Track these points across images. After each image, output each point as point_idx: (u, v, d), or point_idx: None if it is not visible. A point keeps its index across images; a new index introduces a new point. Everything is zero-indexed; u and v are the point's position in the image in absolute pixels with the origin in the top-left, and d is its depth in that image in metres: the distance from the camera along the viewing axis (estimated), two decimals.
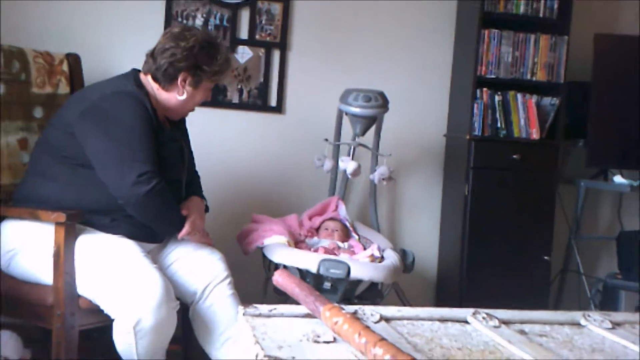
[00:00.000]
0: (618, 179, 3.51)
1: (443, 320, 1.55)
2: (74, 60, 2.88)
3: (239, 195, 3.35)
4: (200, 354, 2.40)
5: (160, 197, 2.21)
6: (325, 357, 1.26)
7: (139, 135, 2.22)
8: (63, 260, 2.16)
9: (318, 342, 1.33)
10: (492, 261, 3.37)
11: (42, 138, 2.42)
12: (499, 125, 3.40)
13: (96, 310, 2.19)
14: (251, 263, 2.96)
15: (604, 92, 3.48)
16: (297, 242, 2.85)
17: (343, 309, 1.39)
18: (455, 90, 3.58)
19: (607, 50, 3.48)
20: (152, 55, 2.36)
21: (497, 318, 1.54)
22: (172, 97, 2.38)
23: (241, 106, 3.37)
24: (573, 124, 3.58)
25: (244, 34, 3.35)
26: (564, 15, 3.42)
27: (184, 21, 3.25)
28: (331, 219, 3.08)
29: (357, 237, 3.03)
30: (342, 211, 3.14)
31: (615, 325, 1.60)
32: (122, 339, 2.12)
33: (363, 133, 3.12)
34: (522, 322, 1.57)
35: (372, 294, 2.70)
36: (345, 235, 3.00)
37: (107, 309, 2.16)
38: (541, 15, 3.42)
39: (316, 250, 2.72)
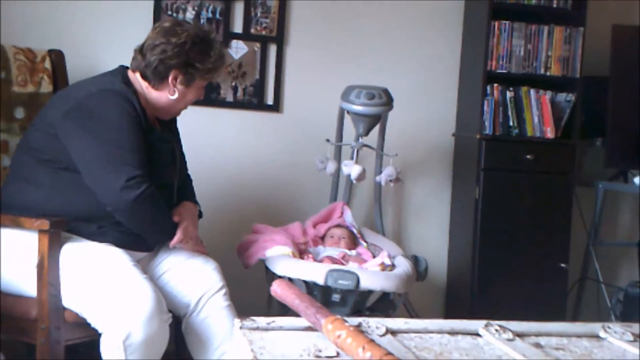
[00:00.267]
0: (639, 180, 3.51)
1: (453, 332, 1.55)
2: (57, 57, 2.88)
3: (234, 200, 3.36)
4: None
5: (150, 203, 2.21)
6: None
7: (127, 137, 2.22)
8: (47, 270, 2.16)
9: (320, 357, 1.33)
10: (505, 269, 3.37)
11: (23, 140, 2.42)
12: (511, 123, 3.40)
13: (83, 324, 2.19)
14: (250, 273, 2.96)
15: (623, 87, 3.48)
16: (301, 253, 2.84)
17: (346, 322, 1.39)
18: (464, 87, 3.58)
19: (625, 42, 3.48)
20: (141, 51, 2.36)
21: (510, 330, 1.54)
22: (162, 96, 2.38)
23: (236, 105, 3.38)
24: (590, 122, 3.58)
25: (238, 27, 3.36)
26: (579, 5, 3.42)
27: (175, 15, 3.25)
28: (337, 226, 3.07)
29: (365, 244, 3.03)
30: (348, 217, 3.15)
31: (637, 337, 1.60)
32: (111, 355, 2.11)
33: (367, 133, 3.12)
34: (537, 335, 1.57)
35: (383, 305, 2.69)
36: (353, 243, 3.00)
37: (95, 323, 2.16)
38: (555, 5, 3.43)
39: (321, 260, 2.72)
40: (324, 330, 1.39)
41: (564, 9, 3.44)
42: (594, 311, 3.66)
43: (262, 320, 1.49)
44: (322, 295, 2.50)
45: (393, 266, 2.71)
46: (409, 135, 3.52)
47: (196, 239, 2.44)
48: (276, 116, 3.44)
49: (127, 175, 2.16)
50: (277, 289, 1.55)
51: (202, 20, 3.28)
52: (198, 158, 2.92)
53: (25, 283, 2.22)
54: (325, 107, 3.38)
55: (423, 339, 1.50)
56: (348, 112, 3.11)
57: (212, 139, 3.35)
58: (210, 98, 3.31)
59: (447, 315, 3.59)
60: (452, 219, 3.65)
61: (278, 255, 2.68)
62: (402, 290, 2.59)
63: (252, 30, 3.37)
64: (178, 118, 2.58)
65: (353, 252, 2.87)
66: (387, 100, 3.05)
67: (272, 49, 3.41)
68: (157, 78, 2.35)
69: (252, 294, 2.88)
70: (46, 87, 2.80)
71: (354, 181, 3.12)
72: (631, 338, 1.59)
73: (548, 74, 3.43)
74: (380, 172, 3.19)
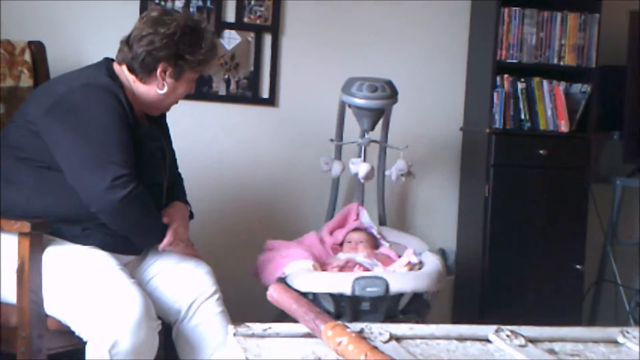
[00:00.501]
0: None
1: (461, 339, 1.54)
2: (37, 49, 2.88)
3: (227, 200, 3.35)
4: None
5: (138, 204, 2.21)
6: None
7: (113, 134, 2.22)
8: (28, 275, 2.16)
9: None
10: (517, 271, 3.38)
11: (2, 137, 2.42)
12: (522, 116, 3.40)
13: (66, 332, 2.19)
14: (245, 277, 2.96)
15: None
16: (323, 265, 2.82)
17: (347, 327, 1.39)
18: (472, 78, 3.58)
19: None
20: (127, 42, 2.36)
21: (523, 336, 1.53)
22: (150, 90, 2.38)
23: (229, 99, 3.38)
24: (607, 114, 3.58)
25: (230, 16, 3.36)
26: None
27: (163, 3, 3.25)
28: (355, 229, 3.06)
29: (387, 244, 3.03)
30: (365, 218, 3.14)
31: None
32: None
33: (372, 127, 3.11)
34: (551, 341, 1.57)
35: (417, 306, 2.68)
36: (373, 245, 2.99)
37: (79, 330, 2.16)
38: None
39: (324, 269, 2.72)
40: (324, 337, 1.39)
41: None
42: (612, 315, 3.66)
43: (257, 327, 1.48)
44: (350, 306, 2.51)
45: (421, 264, 2.70)
46: (413, 129, 3.52)
47: (187, 242, 2.44)
48: (272, 110, 3.43)
49: (113, 175, 2.16)
50: (274, 293, 1.55)
51: (192, 9, 3.28)
52: (189, 156, 2.92)
53: (4, 289, 2.21)
54: (324, 101, 3.38)
55: (429, 345, 1.50)
56: (349, 106, 3.11)
57: (204, 135, 3.35)
58: (202, 92, 3.31)
59: (455, 320, 3.59)
60: (460, 218, 3.65)
61: (298, 270, 2.67)
62: (435, 288, 2.60)
63: (246, 19, 3.37)
64: (167, 113, 2.58)
65: (361, 255, 2.85)
66: (391, 93, 3.04)
67: (267, 39, 3.40)
68: (144, 71, 2.35)
69: (246, 299, 2.88)
70: (26, 81, 2.80)
71: (362, 180, 3.11)
72: None
73: (562, 63, 3.43)
74: (384, 169, 3.18)
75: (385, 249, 2.99)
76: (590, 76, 3.44)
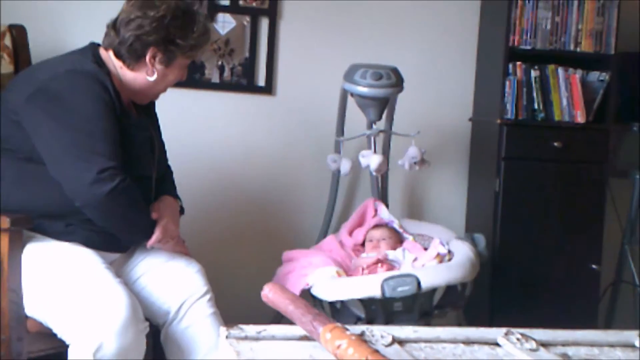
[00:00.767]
0: None
1: (468, 342, 1.55)
2: (18, 33, 2.87)
3: (220, 195, 3.36)
4: None
5: (125, 198, 2.21)
6: None
7: (99, 123, 2.22)
8: (7, 274, 2.16)
9: None
10: (529, 271, 3.38)
11: None
12: (536, 106, 3.40)
13: (48, 335, 2.19)
14: (238, 277, 2.96)
15: None
16: (347, 269, 2.82)
17: (347, 330, 1.39)
18: (482, 65, 3.58)
19: None
20: (114, 26, 2.36)
21: (534, 339, 1.54)
22: (139, 77, 2.38)
23: (222, 86, 3.38)
24: (626, 104, 3.58)
25: None
26: None
27: None
28: (375, 227, 3.06)
29: (411, 237, 3.03)
30: (384, 213, 3.14)
31: None
32: None
33: (379, 117, 3.10)
34: (564, 344, 1.58)
35: (451, 299, 2.69)
36: (397, 241, 3.00)
37: (61, 333, 2.16)
38: None
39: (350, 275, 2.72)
40: (322, 340, 1.39)
41: None
42: (629, 318, 3.65)
43: (251, 329, 1.49)
44: (382, 308, 2.51)
45: (450, 253, 2.70)
46: (419, 120, 3.51)
47: (177, 239, 2.44)
48: (268, 99, 3.43)
49: (99, 167, 2.16)
50: (269, 294, 1.55)
51: None
52: (179, 147, 2.92)
53: None
54: (324, 89, 3.39)
55: (434, 349, 1.50)
56: (352, 95, 3.11)
57: (196, 125, 3.35)
58: (194, 79, 3.31)
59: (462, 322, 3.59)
60: (468, 213, 3.65)
61: (322, 279, 2.66)
62: (469, 278, 2.61)
63: (241, 2, 3.36)
64: (157, 102, 2.58)
65: (390, 253, 2.85)
66: (397, 81, 3.04)
67: (264, 23, 3.40)
68: (133, 57, 2.35)
69: (239, 300, 2.89)
70: (6, 67, 2.80)
71: (374, 173, 3.10)
72: None
73: (578, 50, 3.43)
74: (387, 160, 3.18)
75: (409, 242, 2.98)
76: (609, 64, 3.44)
